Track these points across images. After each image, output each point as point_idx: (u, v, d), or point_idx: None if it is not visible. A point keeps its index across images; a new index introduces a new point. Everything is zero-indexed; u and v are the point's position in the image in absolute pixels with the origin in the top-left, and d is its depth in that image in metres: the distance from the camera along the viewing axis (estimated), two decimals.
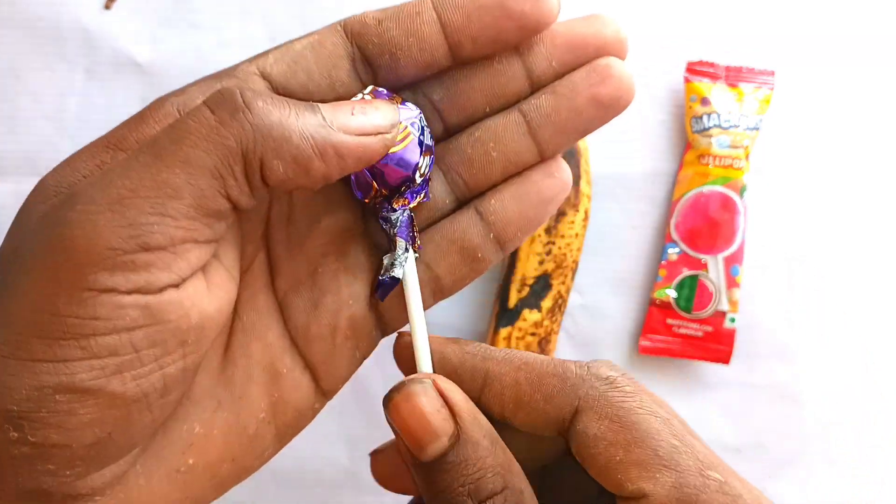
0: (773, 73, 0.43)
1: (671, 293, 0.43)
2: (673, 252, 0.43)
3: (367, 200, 0.25)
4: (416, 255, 0.26)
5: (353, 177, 0.24)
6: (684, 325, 0.43)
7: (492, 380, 0.24)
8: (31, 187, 0.23)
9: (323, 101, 0.23)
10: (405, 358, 0.26)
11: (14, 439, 0.21)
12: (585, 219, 0.42)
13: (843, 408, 0.44)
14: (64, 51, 0.42)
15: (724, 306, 0.43)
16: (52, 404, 0.21)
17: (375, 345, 0.27)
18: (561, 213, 0.41)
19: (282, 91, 0.24)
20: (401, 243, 0.25)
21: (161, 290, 0.21)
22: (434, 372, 0.25)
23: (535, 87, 0.25)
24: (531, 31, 0.24)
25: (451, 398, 0.23)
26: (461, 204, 0.27)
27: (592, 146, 0.43)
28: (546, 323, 0.42)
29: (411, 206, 0.25)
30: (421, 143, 0.24)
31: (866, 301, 0.44)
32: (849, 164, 0.44)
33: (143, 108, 0.23)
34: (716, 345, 0.43)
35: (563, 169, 0.26)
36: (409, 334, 0.25)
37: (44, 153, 0.42)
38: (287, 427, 0.26)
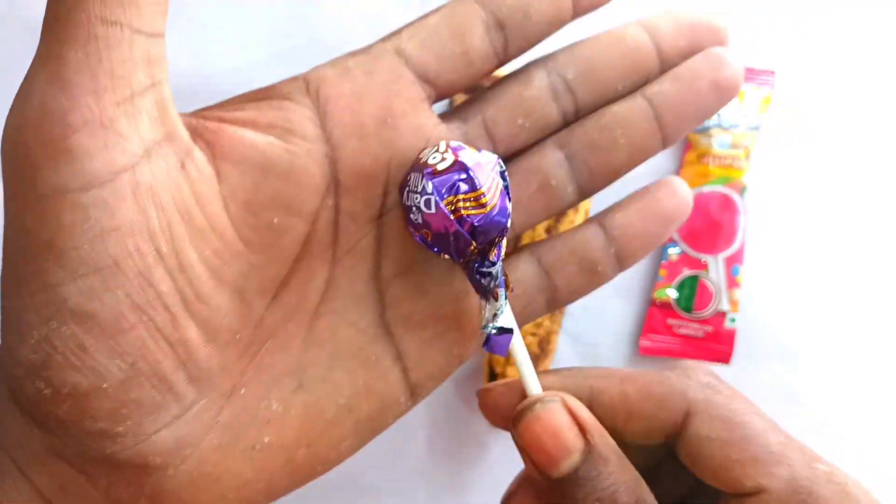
0: (773, 73, 0.43)
1: (672, 293, 0.43)
2: (673, 252, 0.43)
3: (461, 260, 0.24)
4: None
5: (451, 237, 0.23)
6: (685, 325, 0.43)
7: (599, 394, 0.25)
8: None
9: (455, 73, 0.24)
10: (491, 407, 0.26)
11: (49, 396, 0.20)
12: (586, 218, 0.42)
13: (843, 408, 0.44)
14: None
15: (725, 306, 0.43)
16: (60, 342, 0.20)
17: (475, 349, 0.27)
18: (561, 213, 0.41)
19: (418, 64, 0.24)
20: (501, 293, 0.24)
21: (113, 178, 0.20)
22: None
23: (665, 65, 0.26)
24: None
25: (579, 415, 0.23)
26: (582, 193, 0.27)
27: None
28: (546, 323, 0.42)
29: (504, 252, 0.24)
30: (507, 188, 0.24)
31: (866, 301, 0.44)
32: (849, 164, 0.44)
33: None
34: (716, 345, 0.43)
35: (686, 190, 0.27)
36: (494, 388, 0.26)
37: None
38: (368, 420, 0.25)
